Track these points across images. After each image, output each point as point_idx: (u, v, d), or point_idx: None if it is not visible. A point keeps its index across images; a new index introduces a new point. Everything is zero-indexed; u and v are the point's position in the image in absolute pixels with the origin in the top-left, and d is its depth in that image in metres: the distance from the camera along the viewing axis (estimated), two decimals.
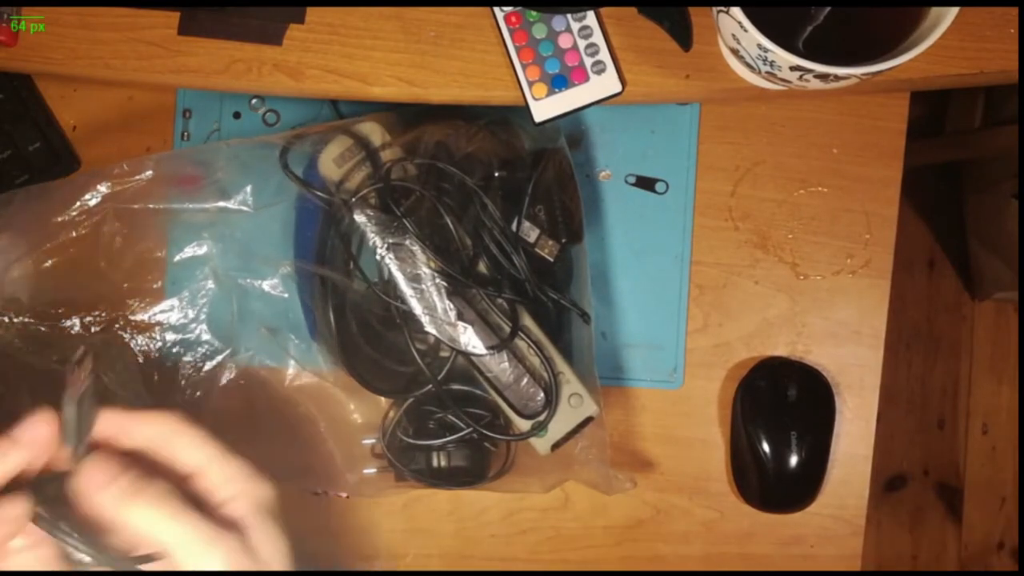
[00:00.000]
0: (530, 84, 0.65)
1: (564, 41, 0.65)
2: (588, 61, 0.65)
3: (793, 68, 0.56)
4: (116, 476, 0.44)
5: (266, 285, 0.66)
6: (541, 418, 0.64)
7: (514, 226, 0.66)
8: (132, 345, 0.66)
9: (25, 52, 0.65)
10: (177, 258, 0.67)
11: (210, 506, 0.47)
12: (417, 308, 0.62)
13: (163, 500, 0.44)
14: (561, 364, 0.65)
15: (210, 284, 0.67)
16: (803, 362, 0.75)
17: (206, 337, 0.67)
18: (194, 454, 0.47)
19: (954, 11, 0.55)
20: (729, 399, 0.75)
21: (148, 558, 0.44)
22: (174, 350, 0.67)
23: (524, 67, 0.65)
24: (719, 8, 0.57)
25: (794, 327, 0.75)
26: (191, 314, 0.67)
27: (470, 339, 0.62)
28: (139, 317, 0.66)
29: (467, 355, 0.63)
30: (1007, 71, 0.65)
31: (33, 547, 0.44)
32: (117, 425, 0.47)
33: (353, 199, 0.62)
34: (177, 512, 0.44)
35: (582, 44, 0.65)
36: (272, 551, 0.47)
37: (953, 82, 0.66)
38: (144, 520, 0.43)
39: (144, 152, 0.74)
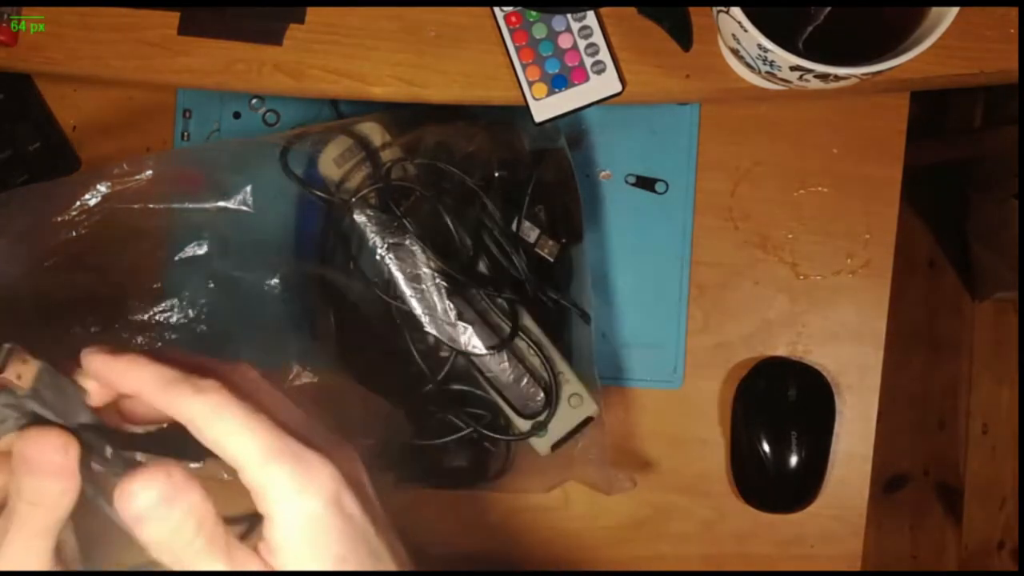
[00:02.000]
0: (530, 84, 0.65)
1: (564, 41, 0.65)
2: (588, 61, 0.65)
3: (793, 68, 0.56)
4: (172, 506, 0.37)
5: (266, 285, 0.66)
6: (541, 418, 0.64)
7: (514, 226, 0.66)
8: (132, 345, 0.66)
9: (25, 52, 0.65)
10: (177, 258, 0.66)
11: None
12: (417, 308, 0.62)
13: (203, 539, 0.37)
14: (561, 364, 0.65)
15: (210, 284, 0.66)
16: (803, 362, 0.75)
17: (206, 337, 0.67)
18: (234, 446, 0.38)
19: (954, 11, 0.55)
20: (729, 399, 0.75)
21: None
22: None
23: (524, 67, 0.65)
24: (719, 8, 0.57)
25: (794, 327, 0.75)
26: (191, 314, 0.67)
27: (470, 339, 0.62)
28: (139, 317, 0.66)
29: (467, 355, 0.63)
30: (1007, 71, 0.65)
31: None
32: (156, 391, 0.39)
33: (353, 199, 0.62)
34: (218, 554, 0.37)
35: (582, 44, 0.65)
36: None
37: (953, 82, 0.66)
38: (185, 559, 0.37)
39: (144, 152, 0.74)
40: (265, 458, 0.38)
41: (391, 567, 0.41)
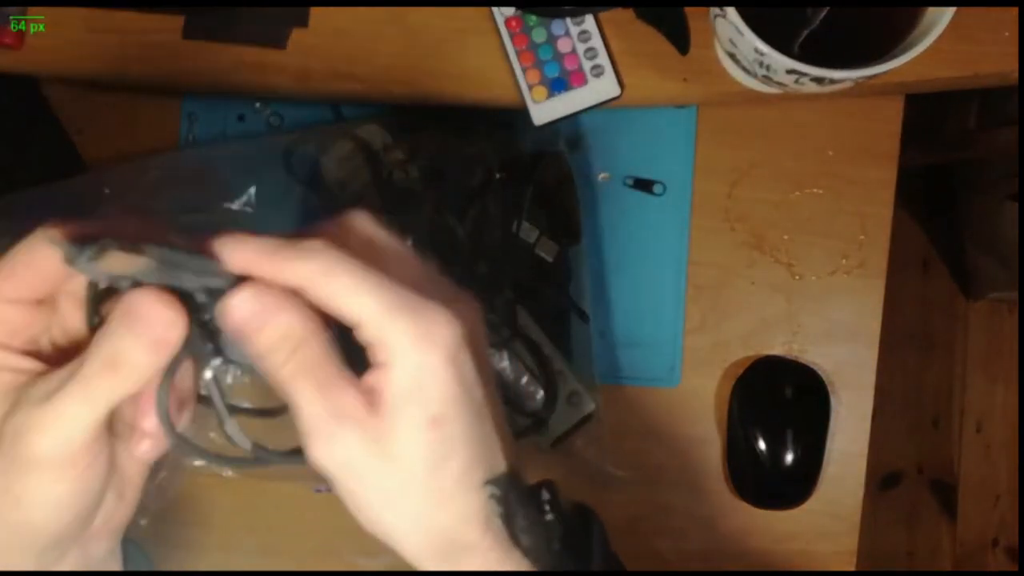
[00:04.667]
0: (530, 87, 0.66)
1: (563, 45, 0.66)
2: (587, 65, 0.66)
3: (789, 71, 0.56)
4: (265, 322, 0.36)
5: None
6: (541, 416, 0.65)
7: (514, 227, 0.67)
8: None
9: (31, 55, 0.66)
10: None
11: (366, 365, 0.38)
12: None
13: (294, 363, 0.37)
14: (560, 363, 0.65)
15: None
16: (799, 361, 0.75)
17: None
18: (349, 305, 0.36)
19: (948, 15, 0.55)
20: (726, 398, 0.75)
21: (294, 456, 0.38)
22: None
23: (524, 70, 0.65)
24: (716, 12, 0.58)
25: (790, 327, 0.76)
26: None
27: None
28: None
29: None
30: (1001, 73, 0.65)
31: None
32: (262, 260, 0.37)
33: (355, 201, 0.63)
34: (307, 381, 0.37)
35: (581, 48, 0.66)
36: (411, 446, 0.37)
37: (947, 84, 0.67)
38: (280, 381, 0.37)
39: (149, 154, 0.74)
40: (383, 313, 0.36)
41: (491, 429, 0.40)
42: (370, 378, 0.38)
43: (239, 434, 0.39)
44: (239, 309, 0.36)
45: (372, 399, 0.37)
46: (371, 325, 0.36)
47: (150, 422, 0.38)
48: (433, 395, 0.37)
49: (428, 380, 0.37)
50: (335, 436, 0.37)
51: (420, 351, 0.37)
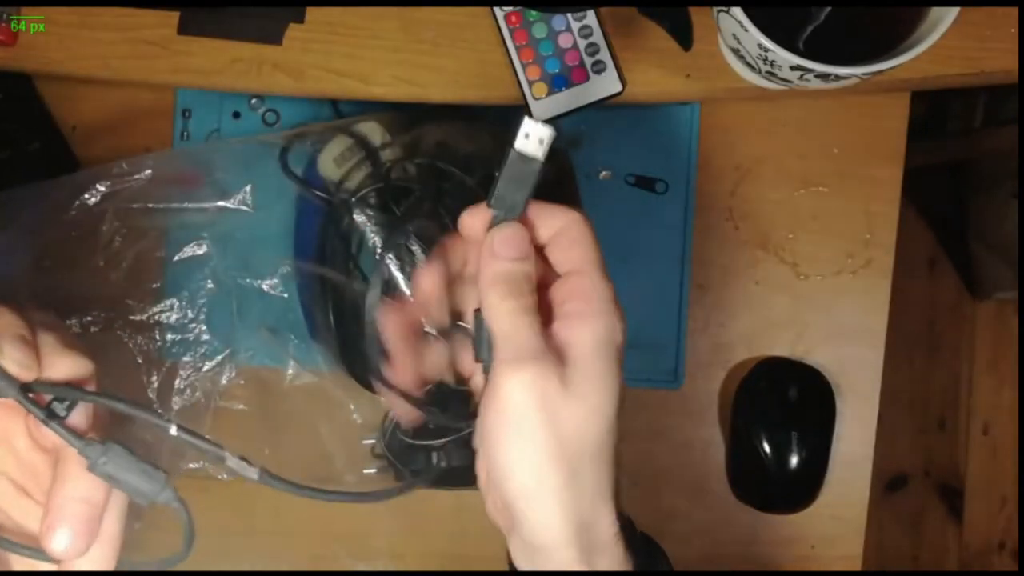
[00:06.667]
0: (530, 84, 0.65)
1: (564, 41, 0.65)
2: (588, 61, 0.65)
3: (794, 68, 0.56)
4: (515, 257, 0.43)
5: (265, 285, 0.66)
6: None
7: None
8: (131, 345, 0.66)
9: (25, 52, 0.65)
10: (176, 258, 0.67)
11: (558, 314, 0.44)
12: None
13: (517, 297, 0.42)
14: None
15: (209, 284, 0.67)
16: (804, 362, 0.75)
17: (205, 337, 0.67)
18: (580, 256, 0.44)
19: (955, 11, 0.55)
20: (729, 399, 0.75)
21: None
22: (173, 350, 0.67)
23: (524, 67, 0.65)
24: (719, 8, 0.57)
25: (795, 327, 0.75)
26: (190, 314, 0.67)
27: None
28: (138, 317, 0.66)
29: None
30: (1007, 71, 0.65)
31: None
32: (535, 212, 0.45)
33: (353, 199, 0.62)
34: (531, 316, 0.42)
35: (582, 44, 0.65)
36: (592, 391, 0.42)
37: (953, 82, 0.66)
38: (502, 311, 0.42)
39: (143, 152, 0.74)
40: (602, 269, 0.44)
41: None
42: (555, 332, 0.42)
43: (244, 466, 0.42)
44: (511, 231, 0.44)
45: (562, 349, 0.42)
46: (590, 273, 0.43)
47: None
48: (615, 366, 0.42)
49: (614, 349, 0.42)
50: (542, 367, 0.41)
51: (614, 313, 0.43)
